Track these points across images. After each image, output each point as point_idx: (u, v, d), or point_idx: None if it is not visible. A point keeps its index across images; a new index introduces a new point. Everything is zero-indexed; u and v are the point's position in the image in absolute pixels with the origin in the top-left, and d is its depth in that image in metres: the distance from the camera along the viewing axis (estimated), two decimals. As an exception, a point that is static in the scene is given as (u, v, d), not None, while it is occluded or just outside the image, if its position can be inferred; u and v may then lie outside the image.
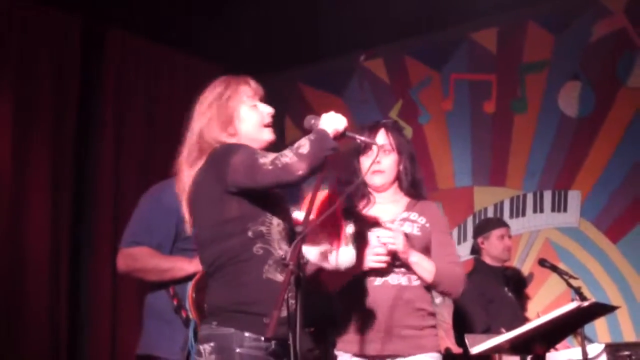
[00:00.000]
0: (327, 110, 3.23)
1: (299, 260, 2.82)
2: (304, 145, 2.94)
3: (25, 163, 6.21)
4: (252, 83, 3.33)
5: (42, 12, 6.42)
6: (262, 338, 2.90)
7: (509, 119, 6.81)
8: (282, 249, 3.06)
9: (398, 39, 7.25)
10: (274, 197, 3.09)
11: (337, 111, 3.20)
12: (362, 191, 3.83)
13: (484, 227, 5.96)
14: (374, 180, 3.78)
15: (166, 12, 6.57)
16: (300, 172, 2.90)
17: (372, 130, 3.84)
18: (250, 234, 3.03)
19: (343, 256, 3.19)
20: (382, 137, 3.82)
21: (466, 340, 4.72)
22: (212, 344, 2.97)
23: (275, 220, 3.08)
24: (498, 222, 6.00)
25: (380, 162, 3.71)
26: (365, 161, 3.79)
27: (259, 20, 6.68)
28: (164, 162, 6.94)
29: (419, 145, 7.14)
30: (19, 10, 6.28)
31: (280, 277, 2.98)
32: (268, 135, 3.27)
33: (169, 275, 3.98)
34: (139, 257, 4.06)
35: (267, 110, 3.29)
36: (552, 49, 6.69)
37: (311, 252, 3.16)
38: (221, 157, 3.08)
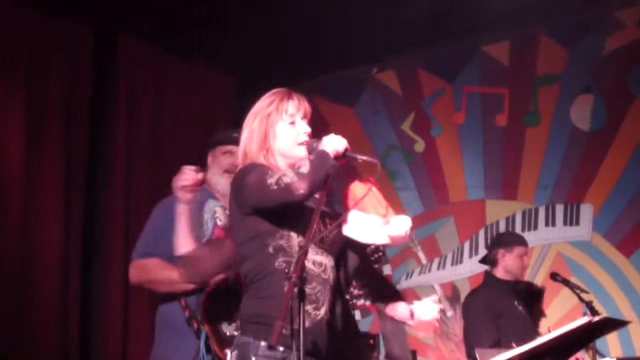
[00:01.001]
0: (339, 122, 3.26)
1: (302, 273, 2.86)
2: (304, 165, 3.03)
3: (38, 170, 6.25)
4: (297, 99, 3.33)
5: (55, 22, 6.46)
6: (280, 348, 2.98)
7: (521, 132, 6.80)
8: (308, 260, 3.10)
9: (411, 52, 7.25)
10: (294, 210, 3.12)
11: (349, 123, 3.23)
12: None
13: (508, 241, 5.86)
14: None
15: (177, 21, 6.60)
16: (300, 192, 2.99)
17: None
18: (270, 249, 3.12)
19: (400, 224, 3.22)
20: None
21: (476, 354, 4.73)
22: (235, 352, 3.11)
23: (294, 233, 3.13)
24: (522, 241, 5.89)
25: None
26: None
27: (272, 31, 6.70)
28: (174, 170, 7.05)
29: (430, 158, 7.15)
30: (32, 20, 6.32)
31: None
32: (301, 153, 3.28)
33: (180, 287, 3.98)
34: (150, 269, 4.07)
35: (303, 129, 3.30)
36: (565, 62, 6.68)
37: (363, 226, 3.20)
38: (239, 179, 3.20)
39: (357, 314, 6.91)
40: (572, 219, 6.47)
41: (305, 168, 3.01)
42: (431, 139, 7.23)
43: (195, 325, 3.88)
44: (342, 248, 3.35)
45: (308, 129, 3.30)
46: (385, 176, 6.98)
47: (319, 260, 3.18)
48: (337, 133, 3.26)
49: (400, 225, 3.23)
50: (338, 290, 3.30)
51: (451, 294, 6.83)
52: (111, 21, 6.67)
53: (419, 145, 7.25)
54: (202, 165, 4.12)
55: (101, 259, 6.67)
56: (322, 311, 3.13)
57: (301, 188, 2.99)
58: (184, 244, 3.85)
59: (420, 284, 6.97)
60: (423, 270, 6.98)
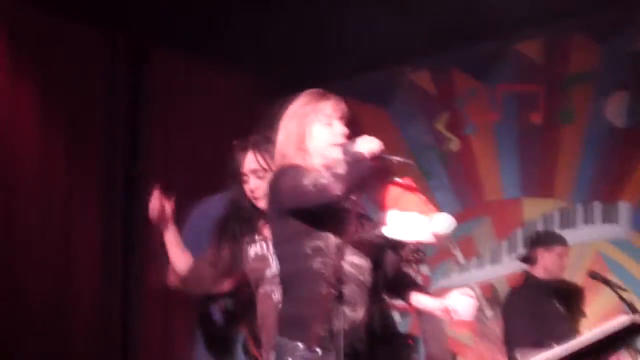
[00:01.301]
0: (373, 123, 3.27)
1: (340, 275, 2.90)
2: (340, 166, 3.01)
3: (76, 179, 6.34)
4: (334, 100, 3.32)
5: (89, 33, 6.54)
6: (318, 349, 2.96)
7: (557, 130, 6.77)
8: (345, 261, 3.10)
9: (444, 51, 7.23)
10: (331, 211, 3.12)
11: (382, 124, 3.24)
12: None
13: (548, 240, 5.80)
14: (259, 204, 3.68)
15: (208, 28, 6.63)
16: (337, 193, 2.98)
17: (241, 152, 3.79)
18: (308, 250, 3.10)
19: (443, 222, 3.19)
20: (251, 159, 3.75)
21: (517, 355, 4.70)
22: (274, 353, 3.11)
23: (331, 234, 3.11)
24: (564, 240, 5.83)
25: (258, 187, 3.68)
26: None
27: (304, 33, 6.70)
28: (210, 176, 7.07)
29: (466, 157, 7.12)
30: (66, 30, 6.40)
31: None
32: (337, 154, 3.27)
33: (218, 288, 4.00)
34: (189, 269, 4.09)
35: (340, 131, 3.30)
36: (599, 59, 6.65)
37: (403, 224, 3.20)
38: (275, 180, 3.19)
39: (397, 315, 6.89)
40: (610, 217, 6.42)
41: (341, 169, 2.99)
42: (466, 138, 7.21)
43: (234, 328, 3.89)
44: (380, 249, 3.34)
45: (345, 130, 3.29)
46: (421, 176, 6.96)
47: (356, 262, 3.15)
48: (370, 134, 3.26)
49: (444, 222, 3.20)
50: (375, 292, 3.28)
51: (490, 294, 6.79)
52: (144, 31, 6.71)
53: (454, 144, 7.23)
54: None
55: (140, 267, 6.71)
56: (359, 312, 3.11)
57: (337, 189, 2.97)
58: (180, 262, 3.88)
59: (459, 284, 6.93)
60: (461, 271, 6.96)
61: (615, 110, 6.55)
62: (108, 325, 6.34)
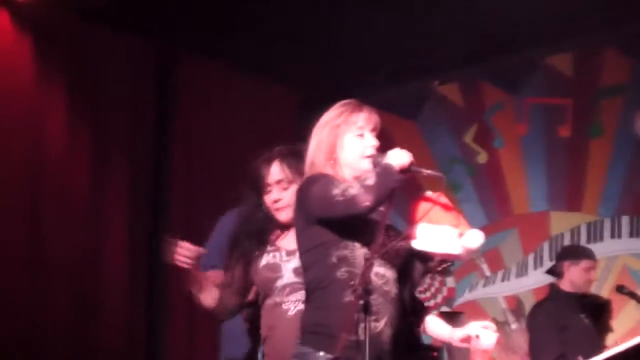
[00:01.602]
0: (401, 135, 3.29)
1: (367, 285, 2.90)
2: (370, 177, 3.03)
3: (103, 184, 6.39)
4: (367, 112, 3.34)
5: (117, 38, 6.59)
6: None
7: (585, 144, 6.75)
8: (371, 272, 3.11)
9: (473, 64, 7.23)
10: (359, 221, 3.13)
11: (411, 136, 3.27)
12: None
13: (574, 253, 5.79)
14: (279, 216, 3.63)
15: (237, 36, 6.66)
16: (366, 204, 3.00)
17: (266, 162, 3.71)
18: (334, 259, 3.12)
19: (474, 237, 3.23)
20: (276, 170, 3.67)
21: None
22: None
23: (358, 244, 3.13)
24: (589, 254, 5.81)
25: (281, 199, 3.61)
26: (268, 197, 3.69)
27: (334, 45, 6.73)
28: (236, 183, 7.09)
29: (493, 170, 7.11)
30: (94, 37, 6.45)
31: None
32: (367, 166, 3.29)
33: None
34: (213, 281, 4.11)
35: (371, 143, 3.31)
36: (629, 73, 6.62)
37: (435, 236, 3.23)
38: (304, 188, 3.21)
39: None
40: (638, 231, 6.39)
41: (371, 181, 3.01)
42: (494, 151, 7.20)
43: (255, 337, 3.90)
44: (406, 261, 3.35)
45: (375, 143, 3.30)
46: (448, 188, 6.94)
47: (381, 273, 3.17)
48: (399, 146, 3.27)
49: (475, 238, 3.24)
50: (400, 303, 3.29)
51: (515, 306, 6.78)
52: (172, 36, 6.76)
53: (482, 157, 7.23)
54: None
55: (165, 275, 6.74)
56: (382, 323, 3.12)
57: (367, 200, 2.99)
58: (208, 300, 3.79)
59: (484, 297, 6.95)
60: (487, 283, 6.95)
61: (644, 125, 6.52)
62: (132, 336, 6.37)
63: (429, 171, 3.26)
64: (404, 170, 3.11)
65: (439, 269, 3.70)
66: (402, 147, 3.23)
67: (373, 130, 3.32)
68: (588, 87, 6.80)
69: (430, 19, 6.31)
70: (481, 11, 6.21)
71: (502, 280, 6.88)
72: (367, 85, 7.14)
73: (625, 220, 6.47)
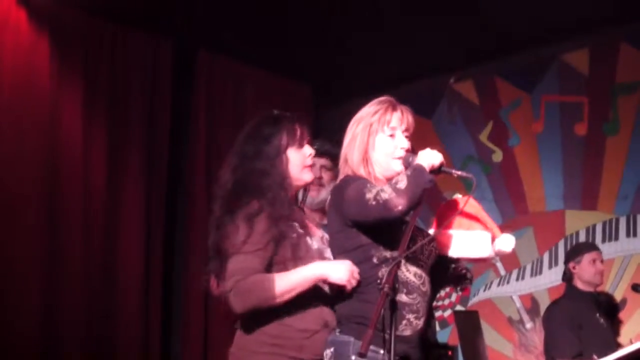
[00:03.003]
0: (416, 133, 3.30)
1: (394, 284, 2.94)
2: (402, 180, 3.07)
3: (120, 184, 6.41)
4: (401, 112, 3.38)
5: (135, 35, 6.61)
6: (381, 351, 3.04)
7: (601, 141, 6.71)
8: (409, 271, 3.20)
9: (488, 61, 7.21)
10: (397, 224, 3.17)
11: (426, 134, 3.29)
12: None
13: (575, 252, 5.88)
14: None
15: (254, 32, 6.67)
16: (399, 208, 3.05)
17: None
18: (375, 260, 3.20)
19: (507, 241, 3.31)
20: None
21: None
22: (332, 349, 3.18)
23: (397, 246, 3.14)
24: (589, 247, 5.92)
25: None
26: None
27: (348, 41, 6.72)
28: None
29: (509, 168, 7.09)
30: (111, 34, 6.48)
31: (405, 298, 3.16)
32: (398, 166, 3.33)
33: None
34: None
35: (402, 144, 3.33)
36: (646, 69, 6.59)
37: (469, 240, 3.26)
38: (339, 190, 3.26)
39: (436, 325, 6.89)
40: (654, 230, 6.38)
41: (402, 184, 3.05)
42: (509, 149, 7.17)
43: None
44: (435, 263, 3.40)
45: (406, 144, 3.33)
46: (463, 187, 6.94)
47: (419, 273, 3.26)
48: (414, 144, 3.28)
49: (508, 241, 3.32)
50: (430, 303, 3.38)
51: (530, 305, 6.77)
52: (190, 33, 6.77)
53: (497, 156, 7.21)
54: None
55: (182, 273, 6.76)
56: (422, 321, 3.23)
57: (400, 204, 3.04)
58: None
59: (499, 295, 6.93)
60: (502, 282, 6.93)
61: (661, 122, 6.50)
62: (148, 336, 6.40)
63: (459, 172, 3.29)
64: (434, 171, 3.16)
65: (463, 274, 3.69)
66: (417, 145, 3.24)
67: (405, 130, 3.36)
68: (604, 85, 6.77)
69: (445, 15, 6.29)
70: (497, 8, 6.20)
71: (517, 279, 6.86)
72: (383, 82, 7.13)
73: (641, 219, 6.45)
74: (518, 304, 6.84)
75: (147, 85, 6.64)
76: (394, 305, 2.97)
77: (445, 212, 3.35)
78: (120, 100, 6.47)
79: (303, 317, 3.22)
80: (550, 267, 6.68)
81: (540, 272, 6.77)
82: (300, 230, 3.32)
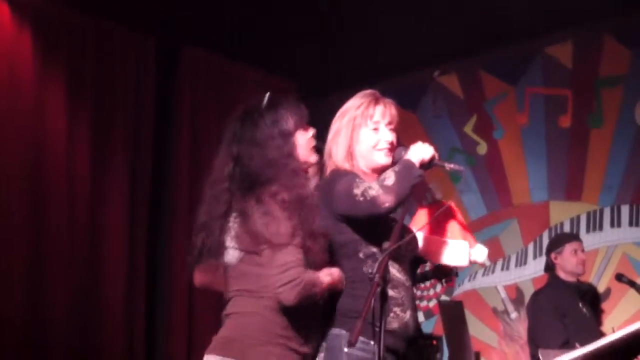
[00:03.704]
0: (401, 126, 3.33)
1: (385, 275, 2.95)
2: (389, 177, 3.09)
3: (103, 180, 6.39)
4: (384, 105, 3.40)
5: (118, 32, 6.59)
6: (371, 342, 3.04)
7: (585, 134, 6.75)
8: (393, 267, 3.22)
9: (472, 54, 7.24)
10: (385, 219, 3.19)
11: (411, 127, 3.31)
12: None
13: (556, 243, 5.92)
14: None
15: (238, 29, 6.68)
16: (387, 205, 3.06)
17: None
18: (361, 255, 3.22)
19: (481, 252, 3.39)
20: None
21: (540, 356, 4.72)
22: (326, 344, 3.20)
23: (385, 241, 3.17)
24: (570, 237, 5.96)
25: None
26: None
27: (333, 38, 6.74)
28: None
29: (493, 160, 7.13)
30: (95, 30, 6.45)
31: (391, 292, 3.16)
32: (381, 159, 3.34)
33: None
34: (212, 270, 4.13)
35: (385, 137, 3.35)
36: (629, 63, 6.62)
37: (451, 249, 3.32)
38: (328, 185, 3.26)
39: (421, 315, 6.92)
40: (637, 220, 6.41)
41: (390, 180, 3.07)
42: (494, 141, 7.21)
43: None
44: (414, 259, 3.44)
45: (390, 137, 3.35)
46: (448, 179, 6.97)
47: (402, 268, 3.29)
48: (399, 137, 3.30)
49: (482, 253, 3.39)
50: (413, 296, 3.40)
51: (515, 295, 6.81)
52: (173, 30, 6.76)
53: (482, 148, 7.24)
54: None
55: (165, 268, 6.76)
56: (407, 314, 3.26)
57: (387, 201, 3.05)
58: None
59: (484, 286, 6.97)
60: (486, 272, 6.97)
61: (644, 114, 6.53)
62: (132, 331, 6.40)
63: (451, 165, 3.31)
64: (425, 165, 3.18)
65: (445, 279, 3.74)
66: (402, 138, 3.26)
67: (389, 124, 3.37)
68: (588, 77, 6.80)
69: (430, 9, 6.31)
70: (481, 2, 6.22)
71: (502, 269, 6.90)
72: (367, 76, 7.15)
73: (625, 209, 6.49)
74: (503, 294, 6.88)
75: (131, 81, 6.62)
76: (384, 296, 2.98)
77: (427, 215, 3.39)
78: (104, 96, 6.45)
79: (305, 311, 3.15)
80: (534, 257, 6.72)
81: (525, 263, 6.81)
82: None
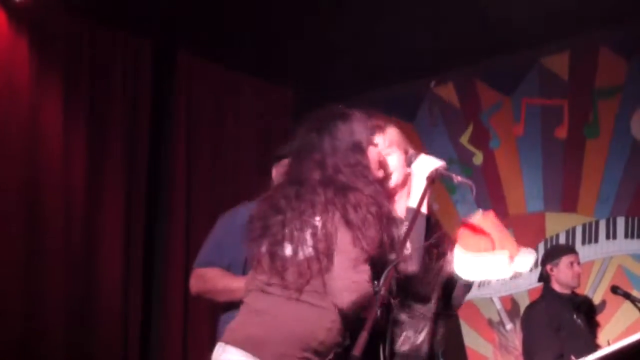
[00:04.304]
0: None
1: (391, 287, 2.91)
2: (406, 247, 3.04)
3: (99, 184, 6.38)
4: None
5: (115, 36, 6.59)
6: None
7: (581, 144, 6.75)
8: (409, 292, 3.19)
9: (469, 64, 7.24)
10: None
11: (407, 137, 3.31)
12: None
13: (552, 254, 5.89)
14: None
15: (234, 35, 6.67)
16: (413, 269, 3.07)
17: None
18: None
19: (525, 261, 3.30)
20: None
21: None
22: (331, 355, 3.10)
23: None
24: (567, 249, 5.94)
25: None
26: None
27: (329, 46, 6.73)
28: (233, 181, 7.09)
29: (489, 171, 7.12)
30: (91, 35, 6.44)
31: (405, 318, 3.18)
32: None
33: (239, 295, 3.99)
34: (209, 278, 4.12)
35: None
36: (625, 74, 6.63)
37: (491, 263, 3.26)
38: None
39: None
40: (633, 232, 6.41)
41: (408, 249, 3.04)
42: (490, 152, 7.20)
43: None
44: (447, 280, 3.38)
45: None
46: (444, 189, 6.96)
47: (422, 289, 3.25)
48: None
49: (525, 262, 3.30)
50: (439, 318, 3.36)
51: (510, 307, 6.79)
52: (169, 35, 6.76)
53: (478, 158, 7.24)
54: (264, 177, 4.12)
55: (162, 273, 6.75)
56: (421, 335, 3.23)
57: (410, 269, 3.06)
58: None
59: (479, 297, 6.95)
60: (482, 283, 6.95)
61: (640, 125, 6.53)
62: (127, 335, 6.38)
63: (459, 178, 3.27)
64: (433, 176, 3.15)
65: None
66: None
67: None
68: (584, 88, 6.81)
69: (426, 19, 6.31)
70: (477, 12, 6.23)
71: (497, 280, 6.89)
72: (363, 86, 7.15)
73: (620, 221, 6.48)
74: (498, 305, 6.87)
75: (128, 86, 6.61)
76: (389, 309, 2.97)
77: (465, 232, 3.34)
78: (100, 100, 6.44)
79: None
80: (530, 269, 6.70)
81: (520, 274, 6.80)
82: None
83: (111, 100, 6.51)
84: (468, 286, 3.48)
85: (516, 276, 3.32)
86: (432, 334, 3.29)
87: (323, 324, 2.95)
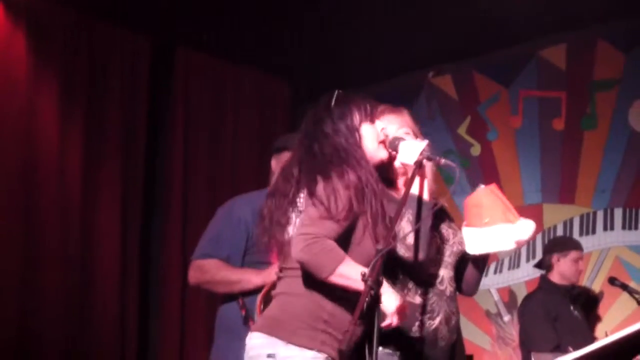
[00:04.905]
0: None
1: (378, 277, 2.87)
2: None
3: (96, 181, 6.37)
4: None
5: (113, 32, 6.58)
6: (398, 353, 3.12)
7: (579, 136, 6.75)
8: (424, 271, 3.25)
9: (467, 56, 7.24)
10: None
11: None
12: None
13: (562, 246, 5.87)
14: None
15: (233, 29, 6.67)
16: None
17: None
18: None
19: (525, 229, 3.31)
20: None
21: (532, 358, 4.70)
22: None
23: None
24: (577, 245, 5.91)
25: None
26: None
27: (328, 37, 6.73)
28: (231, 176, 7.08)
29: (487, 162, 7.13)
30: (89, 30, 6.43)
31: (418, 299, 3.22)
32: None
33: (238, 287, 4.03)
34: (207, 269, 4.13)
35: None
36: (623, 66, 6.63)
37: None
38: None
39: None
40: (631, 223, 6.41)
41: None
42: (487, 143, 7.21)
43: (252, 325, 3.92)
44: (461, 260, 3.41)
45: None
46: (441, 181, 6.96)
47: (434, 273, 3.28)
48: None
49: (526, 229, 3.31)
50: (454, 301, 3.37)
51: (508, 298, 6.81)
52: (168, 30, 6.75)
53: (475, 149, 7.24)
54: (262, 171, 4.14)
55: (159, 271, 6.76)
56: (437, 321, 3.25)
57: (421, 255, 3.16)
58: None
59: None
60: (480, 275, 6.96)
61: (637, 117, 6.53)
62: (124, 331, 6.39)
63: (443, 160, 3.27)
64: (420, 162, 3.15)
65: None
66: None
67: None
68: (582, 80, 6.81)
69: (424, 11, 6.31)
70: (476, 4, 6.22)
71: (495, 272, 6.90)
72: (361, 77, 7.15)
73: (618, 212, 6.49)
74: (496, 297, 6.87)
75: (125, 81, 6.60)
76: (376, 300, 2.90)
77: (469, 206, 3.34)
78: (97, 95, 6.43)
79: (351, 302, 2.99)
80: (527, 260, 6.72)
81: (518, 266, 6.81)
82: None
83: (108, 96, 6.50)
84: (479, 270, 3.49)
85: (519, 245, 3.30)
86: (448, 319, 3.30)
87: (329, 296, 3.01)
